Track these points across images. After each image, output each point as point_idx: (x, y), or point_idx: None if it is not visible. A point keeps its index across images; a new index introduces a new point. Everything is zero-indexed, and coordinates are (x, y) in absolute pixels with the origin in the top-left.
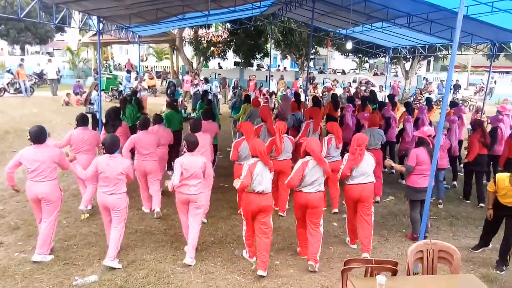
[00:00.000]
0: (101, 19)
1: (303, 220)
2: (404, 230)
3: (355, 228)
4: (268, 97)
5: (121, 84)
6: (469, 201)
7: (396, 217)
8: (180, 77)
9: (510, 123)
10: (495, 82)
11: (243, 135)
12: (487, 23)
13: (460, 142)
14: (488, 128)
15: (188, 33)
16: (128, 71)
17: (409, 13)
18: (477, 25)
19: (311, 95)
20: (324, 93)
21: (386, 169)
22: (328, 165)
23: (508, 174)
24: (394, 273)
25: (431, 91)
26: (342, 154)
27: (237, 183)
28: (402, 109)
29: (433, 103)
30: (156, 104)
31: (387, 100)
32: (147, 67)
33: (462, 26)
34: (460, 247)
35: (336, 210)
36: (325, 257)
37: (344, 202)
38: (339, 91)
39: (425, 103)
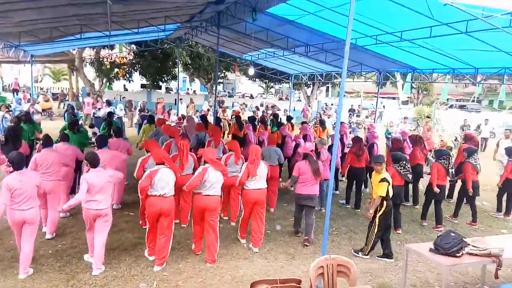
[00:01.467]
0: None
1: (201, 223)
2: (308, 247)
3: (247, 226)
4: (182, 120)
5: (10, 107)
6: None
7: (302, 235)
8: (81, 99)
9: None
10: (384, 106)
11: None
12: (373, 53)
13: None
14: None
15: (89, 53)
16: (15, 91)
17: (307, 43)
18: (365, 56)
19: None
20: (233, 116)
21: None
22: (228, 180)
23: None
24: None
25: (329, 115)
26: None
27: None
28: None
29: (332, 124)
30: (52, 128)
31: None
32: (42, 89)
33: (352, 56)
34: (358, 260)
35: (234, 223)
36: (235, 281)
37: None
38: (248, 114)
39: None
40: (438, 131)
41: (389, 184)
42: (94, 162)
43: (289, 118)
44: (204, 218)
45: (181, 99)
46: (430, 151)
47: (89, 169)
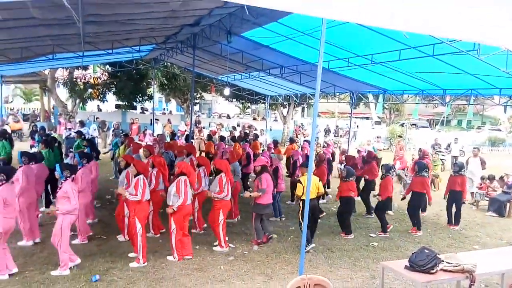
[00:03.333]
0: None
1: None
2: (285, 267)
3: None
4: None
5: None
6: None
7: (279, 255)
8: (53, 119)
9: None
10: (357, 126)
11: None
12: (345, 76)
13: None
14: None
15: (62, 73)
16: None
17: (282, 65)
18: (338, 77)
19: (196, 138)
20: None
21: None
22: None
23: None
24: None
25: (306, 134)
26: None
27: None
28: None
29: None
30: (22, 149)
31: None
32: (12, 109)
33: (325, 77)
34: (336, 278)
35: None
36: None
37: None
38: (225, 134)
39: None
40: (410, 150)
41: (303, 186)
42: (8, 176)
43: (256, 136)
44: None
45: (157, 119)
46: (403, 169)
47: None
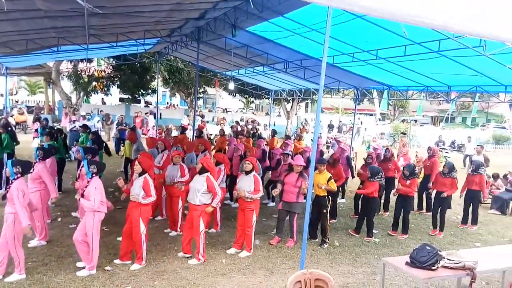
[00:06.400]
0: None
1: None
2: (287, 262)
3: None
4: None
5: None
6: None
7: (281, 250)
8: (57, 112)
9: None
10: (361, 122)
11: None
12: (349, 71)
13: None
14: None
15: (66, 66)
16: None
17: (286, 59)
18: (342, 73)
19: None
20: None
21: None
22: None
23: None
24: None
25: (306, 130)
26: None
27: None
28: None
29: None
30: (26, 142)
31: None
32: (17, 102)
33: (330, 73)
34: (336, 274)
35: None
36: None
37: None
38: (227, 129)
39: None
40: (414, 147)
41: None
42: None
43: (274, 132)
44: None
45: (161, 113)
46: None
47: None
